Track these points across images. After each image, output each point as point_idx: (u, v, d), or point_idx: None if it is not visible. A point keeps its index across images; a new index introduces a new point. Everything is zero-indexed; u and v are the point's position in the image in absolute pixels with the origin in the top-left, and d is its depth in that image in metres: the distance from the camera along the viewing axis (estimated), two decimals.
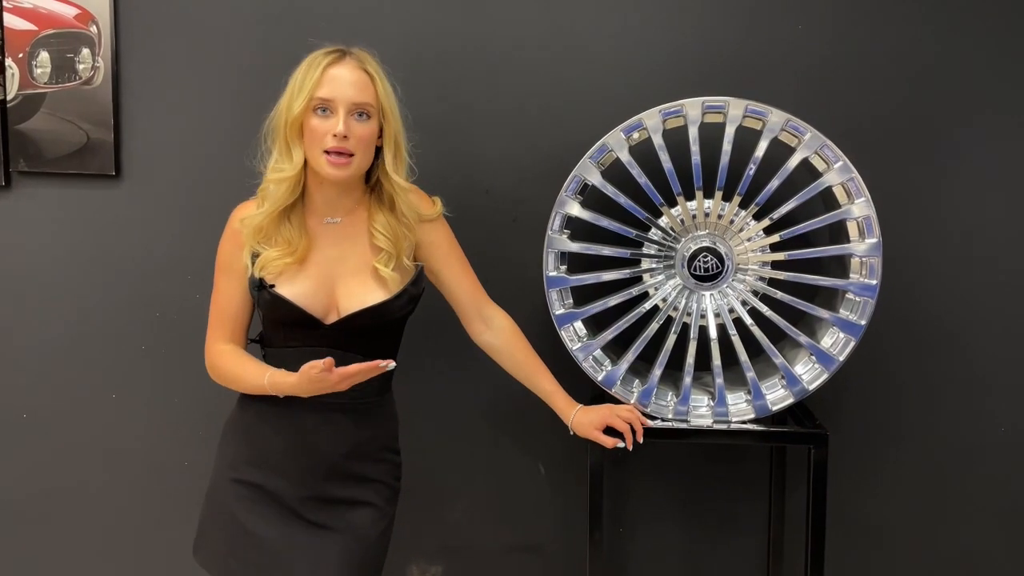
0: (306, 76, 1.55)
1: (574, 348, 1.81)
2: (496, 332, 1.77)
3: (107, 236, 2.13)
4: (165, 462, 2.18)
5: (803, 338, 1.76)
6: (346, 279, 1.61)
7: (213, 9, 2.08)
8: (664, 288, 1.82)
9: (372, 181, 1.66)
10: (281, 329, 1.61)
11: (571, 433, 1.75)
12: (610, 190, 1.78)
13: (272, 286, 1.57)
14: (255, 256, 1.59)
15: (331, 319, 1.59)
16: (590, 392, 1.94)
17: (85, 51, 2.06)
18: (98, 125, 2.08)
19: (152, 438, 2.18)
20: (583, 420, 1.72)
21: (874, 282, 1.74)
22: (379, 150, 1.61)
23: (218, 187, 2.09)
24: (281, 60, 2.01)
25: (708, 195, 1.76)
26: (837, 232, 1.82)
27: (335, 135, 1.52)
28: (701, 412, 1.81)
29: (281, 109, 1.58)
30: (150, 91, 2.09)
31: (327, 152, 1.53)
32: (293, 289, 1.58)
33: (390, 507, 1.70)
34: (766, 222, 1.76)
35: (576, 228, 1.82)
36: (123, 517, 2.21)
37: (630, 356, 1.80)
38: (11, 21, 2.05)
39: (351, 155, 1.54)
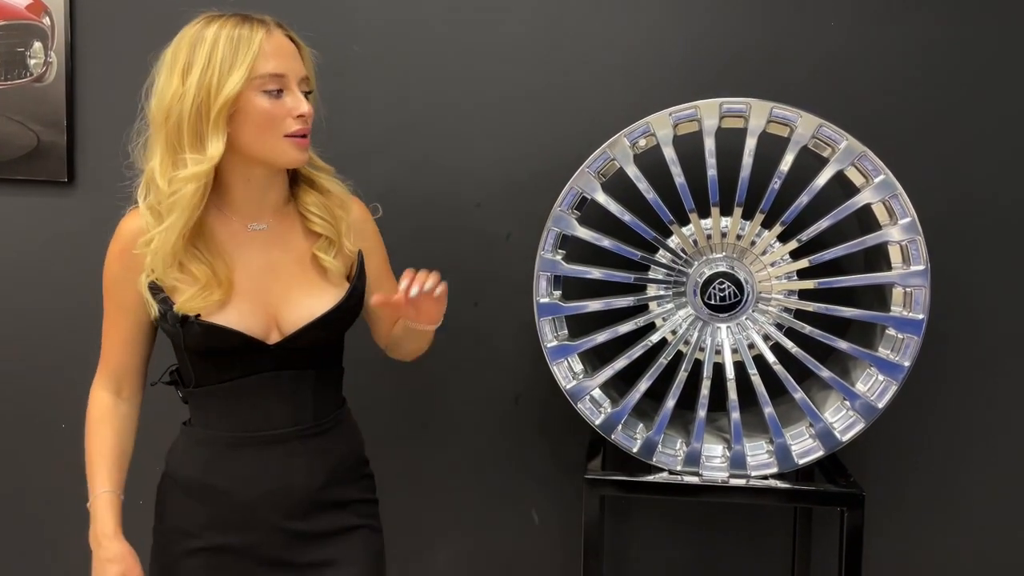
0: (238, 50, 1.29)
1: (568, 387, 1.59)
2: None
3: (58, 248, 1.98)
4: None
5: (836, 380, 1.53)
6: (284, 290, 1.38)
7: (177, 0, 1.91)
8: (673, 319, 1.60)
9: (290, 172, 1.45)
10: (214, 362, 1.37)
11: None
12: (613, 205, 1.56)
13: (198, 316, 1.32)
14: (156, 289, 1.33)
15: (273, 339, 1.36)
16: (588, 436, 1.73)
17: (37, 45, 1.92)
18: (50, 126, 1.93)
19: None
20: None
21: (920, 317, 1.51)
22: None
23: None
24: None
25: (725, 212, 1.55)
26: (874, 257, 1.59)
27: (301, 115, 1.31)
28: (715, 464, 1.58)
29: (185, 92, 1.28)
30: (107, 90, 1.94)
31: (289, 136, 1.32)
32: (225, 315, 1.34)
33: (378, 522, 1.51)
34: (793, 244, 1.55)
35: (573, 248, 1.62)
36: (71, 562, 2.02)
37: (633, 397, 1.58)
38: None
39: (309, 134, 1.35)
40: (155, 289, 1.33)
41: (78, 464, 1.99)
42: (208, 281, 1.32)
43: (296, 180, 1.43)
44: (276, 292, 1.37)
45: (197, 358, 1.38)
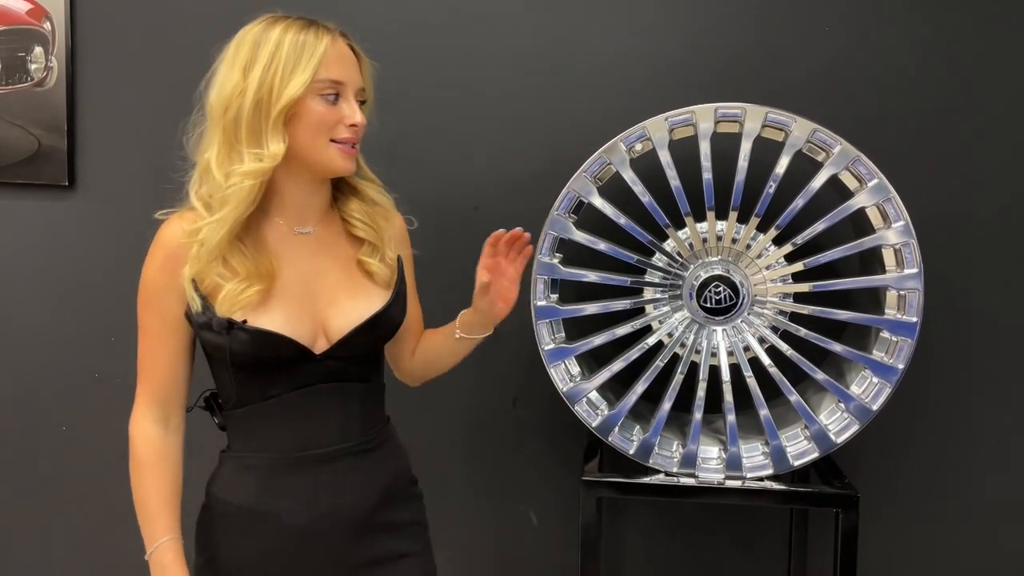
0: (303, 53, 1.27)
1: (565, 389, 1.60)
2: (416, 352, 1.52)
3: (59, 252, 1.99)
4: (119, 502, 1.99)
5: (830, 383, 1.54)
6: (331, 295, 1.34)
7: (178, 4, 1.91)
8: (670, 321, 1.61)
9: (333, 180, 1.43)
10: (259, 375, 1.30)
11: (457, 335, 1.46)
12: (609, 209, 1.56)
13: (244, 321, 1.26)
14: (197, 289, 1.28)
15: (320, 347, 1.31)
16: (586, 438, 1.73)
17: (38, 50, 1.93)
18: (50, 131, 1.94)
19: (105, 475, 2.02)
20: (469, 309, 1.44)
21: (914, 319, 1.51)
22: None
23: (181, 200, 1.93)
24: None
25: (721, 216, 1.56)
26: (869, 260, 1.60)
27: (354, 124, 1.30)
28: (711, 465, 1.59)
29: (246, 87, 1.26)
30: (108, 94, 1.95)
31: (336, 142, 1.30)
32: (271, 319, 1.27)
33: (428, 547, 1.47)
34: (788, 248, 1.56)
35: (570, 251, 1.62)
36: (72, 562, 2.03)
37: (629, 400, 1.59)
38: None
39: (357, 142, 1.34)
40: (195, 288, 1.29)
41: (77, 466, 2.00)
42: (249, 273, 1.27)
43: (340, 187, 1.41)
44: (323, 297, 1.33)
45: (241, 371, 1.30)
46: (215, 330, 1.26)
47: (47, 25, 1.92)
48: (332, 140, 1.29)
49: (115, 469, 1.99)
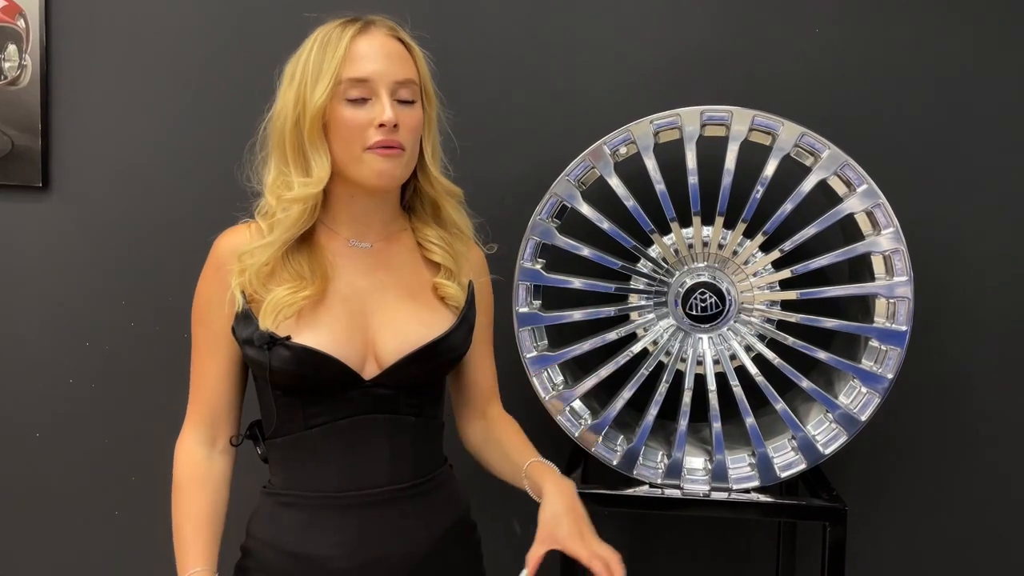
0: (325, 55, 1.18)
1: (547, 398, 1.56)
2: (491, 424, 1.41)
3: (32, 255, 1.94)
4: (94, 511, 1.98)
5: (816, 391, 1.50)
6: (387, 315, 1.23)
7: (154, 4, 1.88)
8: (655, 329, 1.57)
9: (408, 196, 1.32)
10: (301, 400, 1.20)
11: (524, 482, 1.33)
12: (593, 214, 1.53)
13: (288, 337, 1.17)
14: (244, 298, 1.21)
15: (370, 372, 1.21)
16: (568, 449, 1.70)
17: (11, 48, 1.89)
18: (24, 131, 1.89)
19: (79, 483, 1.99)
20: (545, 504, 1.28)
21: (903, 328, 1.48)
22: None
23: (158, 202, 1.93)
24: (232, 59, 1.87)
25: (707, 221, 1.52)
26: (858, 267, 1.57)
27: (383, 124, 1.16)
28: (697, 477, 1.56)
29: (286, 106, 1.20)
30: (83, 93, 1.91)
31: (370, 148, 1.18)
32: (317, 336, 1.17)
33: None
34: (775, 254, 1.52)
35: (554, 256, 1.59)
36: (45, 568, 1.98)
37: (615, 406, 1.55)
38: None
39: (402, 148, 1.19)
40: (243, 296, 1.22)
41: (51, 472, 1.95)
42: (300, 279, 1.19)
43: (417, 207, 1.32)
44: (378, 317, 1.23)
45: (282, 394, 1.22)
46: (256, 345, 1.18)
47: (21, 23, 1.88)
48: (367, 149, 1.18)
49: (89, 475, 1.96)
